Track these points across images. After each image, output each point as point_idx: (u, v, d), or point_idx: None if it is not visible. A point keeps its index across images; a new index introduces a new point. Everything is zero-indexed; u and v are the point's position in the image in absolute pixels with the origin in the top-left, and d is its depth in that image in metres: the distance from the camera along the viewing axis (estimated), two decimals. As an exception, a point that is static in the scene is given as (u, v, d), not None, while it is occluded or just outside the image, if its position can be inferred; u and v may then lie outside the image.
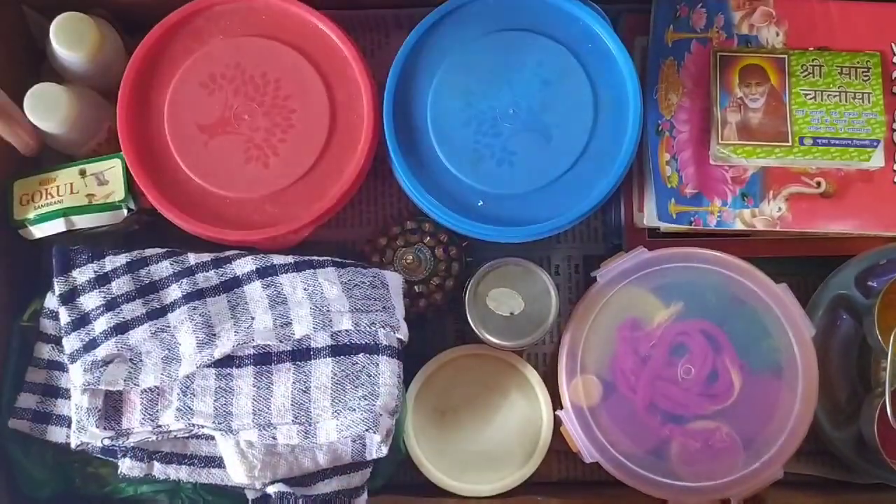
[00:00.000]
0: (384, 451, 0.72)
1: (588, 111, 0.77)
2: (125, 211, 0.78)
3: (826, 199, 0.79)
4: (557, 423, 0.79)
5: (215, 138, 0.78)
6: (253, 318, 0.74)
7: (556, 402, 0.79)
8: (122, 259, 0.77)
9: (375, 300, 0.74)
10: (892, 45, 0.81)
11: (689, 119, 0.80)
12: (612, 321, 0.78)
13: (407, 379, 0.78)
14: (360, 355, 0.73)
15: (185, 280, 0.76)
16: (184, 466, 0.74)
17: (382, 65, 0.79)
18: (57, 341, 0.77)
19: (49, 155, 0.83)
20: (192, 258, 0.77)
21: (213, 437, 0.74)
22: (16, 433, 0.76)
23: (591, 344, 0.77)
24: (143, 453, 0.74)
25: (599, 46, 0.78)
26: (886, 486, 0.81)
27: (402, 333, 0.74)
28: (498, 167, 0.77)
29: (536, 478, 0.81)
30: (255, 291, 0.76)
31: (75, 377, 0.73)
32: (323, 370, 0.73)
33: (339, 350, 0.74)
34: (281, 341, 0.73)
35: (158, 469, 0.74)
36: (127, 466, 0.73)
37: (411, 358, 0.78)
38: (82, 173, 0.78)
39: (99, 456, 0.75)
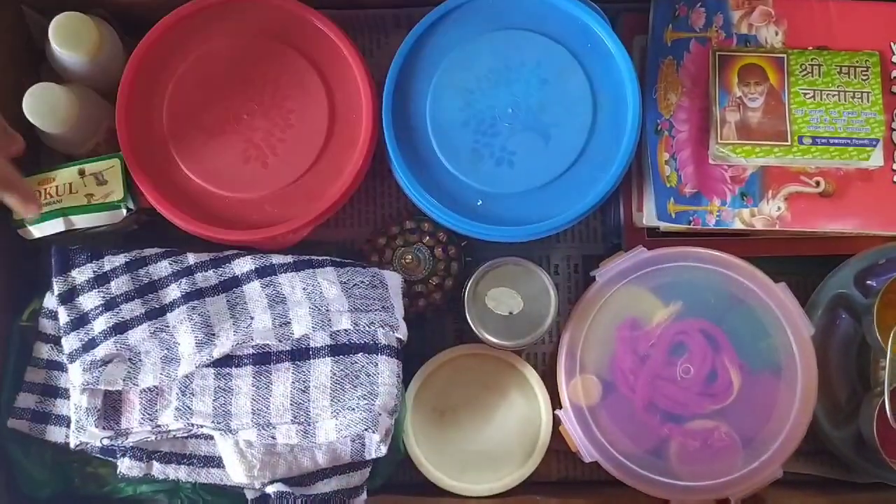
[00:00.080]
0: (383, 450, 0.72)
1: (587, 111, 0.77)
2: (124, 211, 0.78)
3: (825, 199, 0.79)
4: (557, 422, 0.79)
5: (214, 138, 0.78)
6: (252, 318, 0.74)
7: (556, 402, 0.79)
8: (121, 259, 0.77)
9: (374, 300, 0.74)
10: (891, 44, 0.81)
11: (688, 118, 0.80)
12: (612, 321, 0.78)
13: (406, 378, 0.78)
14: (360, 355, 0.73)
15: (184, 280, 0.76)
16: (183, 466, 0.74)
17: (381, 65, 0.79)
18: (56, 341, 0.77)
19: (48, 155, 0.83)
20: (191, 258, 0.77)
21: (212, 437, 0.74)
22: (15, 433, 0.76)
23: (590, 343, 0.77)
24: (143, 453, 0.74)
25: (598, 46, 0.78)
26: (886, 486, 0.81)
27: (402, 333, 0.74)
28: (497, 167, 0.77)
29: (536, 477, 0.81)
30: (254, 291, 0.76)
31: (74, 377, 0.73)
32: (322, 370, 0.73)
33: (339, 349, 0.74)
34: (280, 341, 0.73)
35: (157, 469, 0.74)
36: (126, 466, 0.73)
37: (410, 357, 0.78)
38: (81, 173, 0.78)
39: (98, 456, 0.76)
